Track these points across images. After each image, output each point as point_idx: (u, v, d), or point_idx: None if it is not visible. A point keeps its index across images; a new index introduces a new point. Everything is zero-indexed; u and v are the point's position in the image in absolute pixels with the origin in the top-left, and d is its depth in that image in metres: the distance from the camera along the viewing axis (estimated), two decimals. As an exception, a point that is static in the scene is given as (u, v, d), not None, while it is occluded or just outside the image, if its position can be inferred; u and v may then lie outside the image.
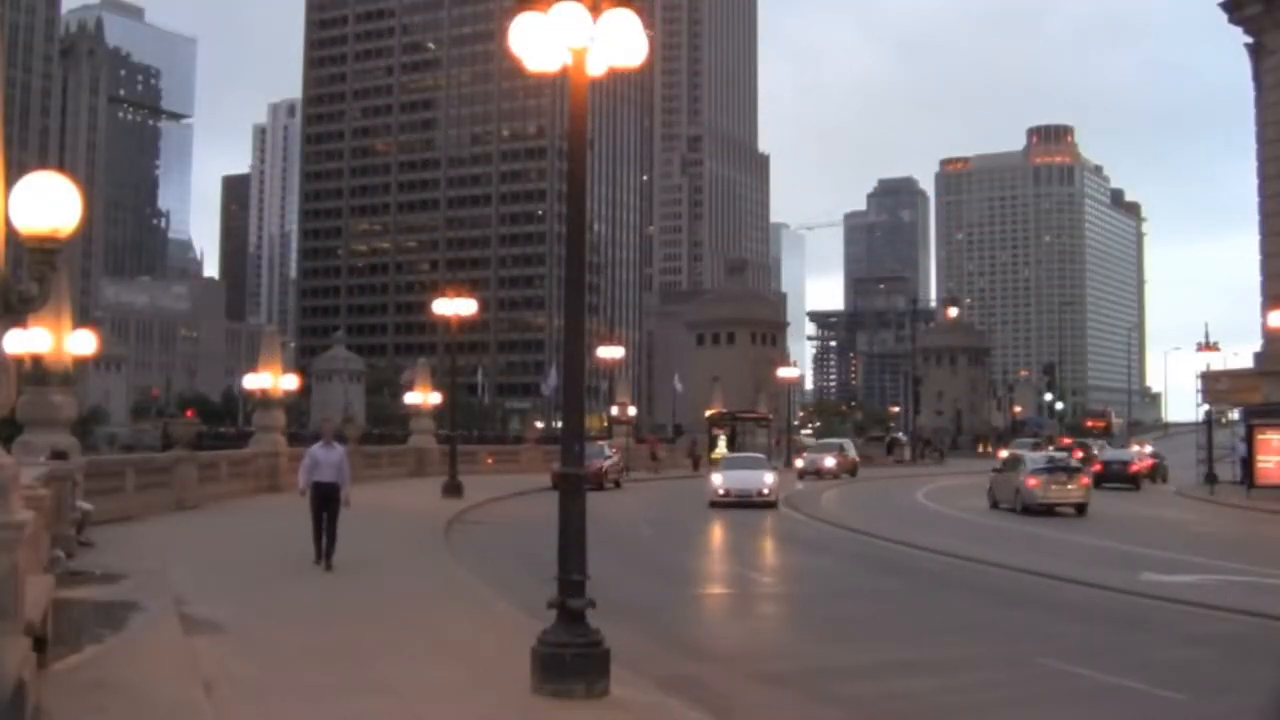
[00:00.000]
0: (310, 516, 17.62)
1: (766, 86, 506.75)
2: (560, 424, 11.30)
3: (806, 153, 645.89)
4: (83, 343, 24.36)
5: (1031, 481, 34.42)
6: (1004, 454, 51.62)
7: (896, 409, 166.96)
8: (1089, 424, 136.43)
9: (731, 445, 71.52)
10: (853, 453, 64.20)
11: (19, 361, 21.50)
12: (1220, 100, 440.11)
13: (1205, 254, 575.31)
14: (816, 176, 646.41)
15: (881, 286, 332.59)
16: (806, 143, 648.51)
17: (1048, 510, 33.45)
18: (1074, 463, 39.21)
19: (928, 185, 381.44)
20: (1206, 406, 54.75)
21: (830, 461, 58.15)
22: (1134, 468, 52.46)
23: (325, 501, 17.29)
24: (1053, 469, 35.61)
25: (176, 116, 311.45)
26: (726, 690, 10.74)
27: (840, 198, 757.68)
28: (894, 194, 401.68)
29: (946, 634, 14.36)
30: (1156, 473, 57.94)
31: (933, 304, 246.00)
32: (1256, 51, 47.09)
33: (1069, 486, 34.48)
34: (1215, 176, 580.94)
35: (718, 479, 36.86)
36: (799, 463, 58.19)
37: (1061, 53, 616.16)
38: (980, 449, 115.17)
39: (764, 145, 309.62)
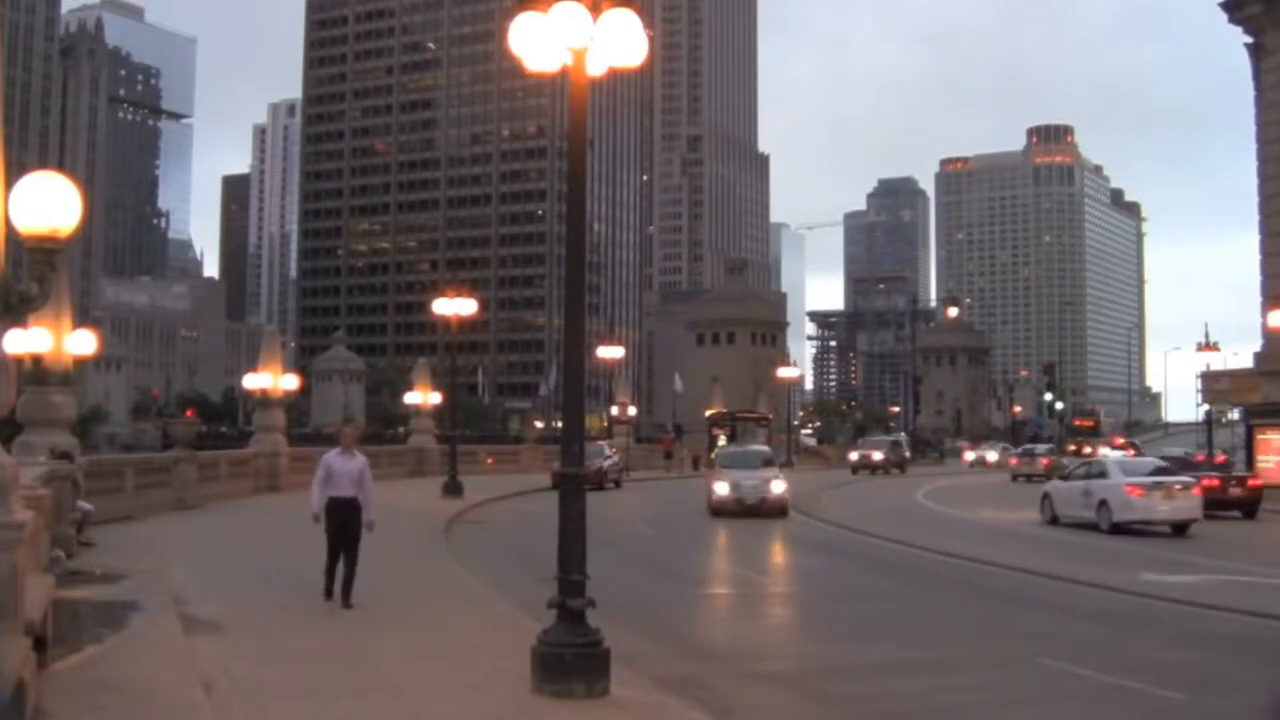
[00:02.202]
0: (326, 542, 14.03)
1: (766, 84, 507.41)
2: (560, 424, 11.30)
3: (807, 152, 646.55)
4: (83, 343, 24.34)
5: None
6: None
7: (896, 409, 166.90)
8: (1077, 423, 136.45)
9: (731, 444, 71.51)
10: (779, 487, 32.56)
11: (19, 361, 21.49)
12: (1223, 98, 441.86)
13: (1206, 253, 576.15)
14: (817, 176, 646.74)
15: (881, 286, 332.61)
16: (807, 142, 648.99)
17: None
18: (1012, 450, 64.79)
19: (928, 185, 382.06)
20: (1206, 406, 54.80)
21: (774, 487, 32.11)
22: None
23: (343, 522, 13.83)
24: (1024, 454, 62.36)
25: (176, 116, 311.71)
26: (726, 690, 10.73)
27: (844, 197, 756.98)
28: (894, 194, 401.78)
29: (947, 634, 14.35)
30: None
31: (933, 304, 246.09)
32: (1256, 51, 47.06)
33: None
34: (1217, 175, 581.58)
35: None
36: (718, 488, 32.13)
37: (1064, 51, 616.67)
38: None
39: (764, 144, 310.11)
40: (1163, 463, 33.16)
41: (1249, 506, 33.57)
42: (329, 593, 13.90)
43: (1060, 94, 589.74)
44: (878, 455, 67.10)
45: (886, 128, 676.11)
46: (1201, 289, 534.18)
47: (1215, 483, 33.61)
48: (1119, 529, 27.35)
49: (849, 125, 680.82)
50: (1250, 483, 34.44)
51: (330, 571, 13.94)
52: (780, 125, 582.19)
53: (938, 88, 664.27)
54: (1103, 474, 29.66)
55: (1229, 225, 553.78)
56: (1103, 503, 28.22)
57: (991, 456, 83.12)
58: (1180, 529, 27.49)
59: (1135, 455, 69.79)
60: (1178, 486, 27.96)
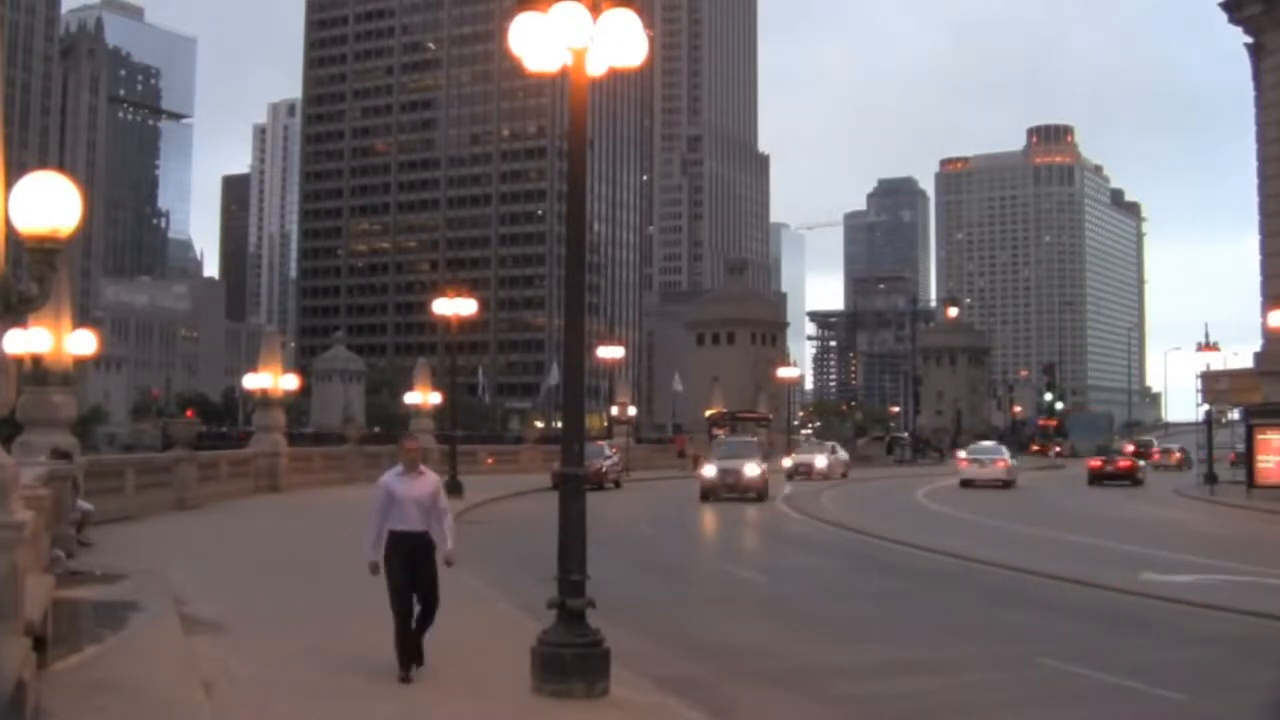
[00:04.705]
0: (389, 590, 9.95)
1: (766, 84, 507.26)
2: (560, 424, 11.29)
3: (807, 151, 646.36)
4: (83, 343, 24.35)
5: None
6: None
7: (896, 409, 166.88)
8: (1041, 423, 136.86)
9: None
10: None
11: (19, 361, 21.49)
12: (1224, 98, 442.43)
13: (1206, 253, 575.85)
14: (817, 176, 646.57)
15: (881, 286, 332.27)
16: (807, 141, 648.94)
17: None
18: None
19: (928, 185, 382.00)
20: (1206, 406, 54.78)
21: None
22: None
23: (415, 565, 9.90)
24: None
25: (176, 116, 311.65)
26: (726, 690, 10.73)
27: (844, 197, 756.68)
28: (894, 194, 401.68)
29: (946, 634, 14.35)
30: None
31: (933, 304, 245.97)
32: (1256, 51, 47.10)
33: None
34: (1217, 175, 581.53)
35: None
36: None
37: (1063, 50, 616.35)
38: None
39: (764, 144, 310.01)
40: (997, 447, 55.57)
41: (1131, 478, 53.88)
42: (405, 669, 9.87)
43: (1062, 93, 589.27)
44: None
45: (888, 127, 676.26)
46: (1201, 289, 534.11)
47: (1099, 463, 55.97)
48: (964, 484, 48.31)
49: (849, 125, 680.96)
50: (1120, 464, 55.79)
51: (403, 640, 9.89)
52: (780, 125, 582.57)
53: (943, 86, 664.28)
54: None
55: (1229, 225, 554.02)
56: (959, 469, 51.86)
57: (820, 463, 57.97)
58: (1007, 484, 48.46)
59: (1148, 453, 79.29)
60: (987, 461, 50.72)
